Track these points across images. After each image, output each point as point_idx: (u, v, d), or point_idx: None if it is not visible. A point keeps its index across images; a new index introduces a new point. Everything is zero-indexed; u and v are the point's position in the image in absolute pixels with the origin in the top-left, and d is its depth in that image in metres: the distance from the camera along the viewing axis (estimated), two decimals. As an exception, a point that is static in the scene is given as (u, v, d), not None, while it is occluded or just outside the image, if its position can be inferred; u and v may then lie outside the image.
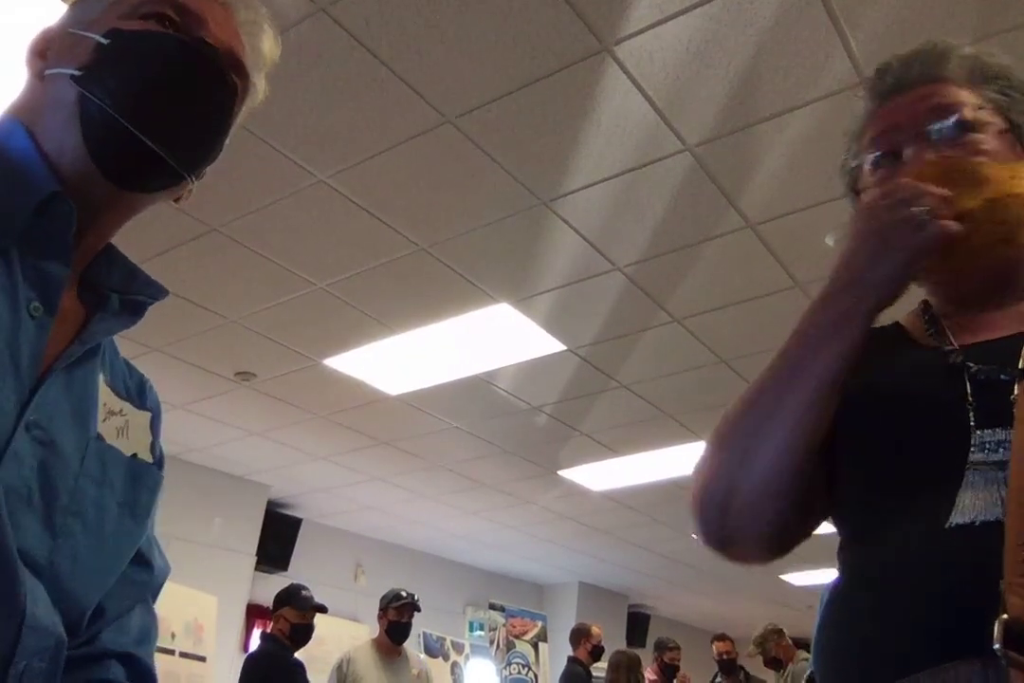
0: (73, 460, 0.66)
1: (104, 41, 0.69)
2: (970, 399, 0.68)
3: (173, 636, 4.07)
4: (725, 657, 5.79)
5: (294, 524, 6.50)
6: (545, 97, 2.47)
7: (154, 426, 0.79)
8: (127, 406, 0.76)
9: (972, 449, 0.66)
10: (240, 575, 5.84)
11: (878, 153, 0.85)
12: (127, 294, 0.75)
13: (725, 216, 2.99)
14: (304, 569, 6.24)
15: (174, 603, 4.15)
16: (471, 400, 4.55)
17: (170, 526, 5.28)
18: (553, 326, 3.79)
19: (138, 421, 0.76)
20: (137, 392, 0.80)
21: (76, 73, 0.68)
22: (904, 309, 0.94)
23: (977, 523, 0.62)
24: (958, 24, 2.17)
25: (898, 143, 0.83)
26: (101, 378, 0.73)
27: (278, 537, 6.30)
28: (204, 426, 5.06)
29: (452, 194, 2.93)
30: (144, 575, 0.77)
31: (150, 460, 0.76)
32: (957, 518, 0.63)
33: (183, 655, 4.08)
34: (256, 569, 6.01)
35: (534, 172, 2.80)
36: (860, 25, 2.20)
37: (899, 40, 2.23)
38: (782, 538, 0.77)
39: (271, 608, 3.99)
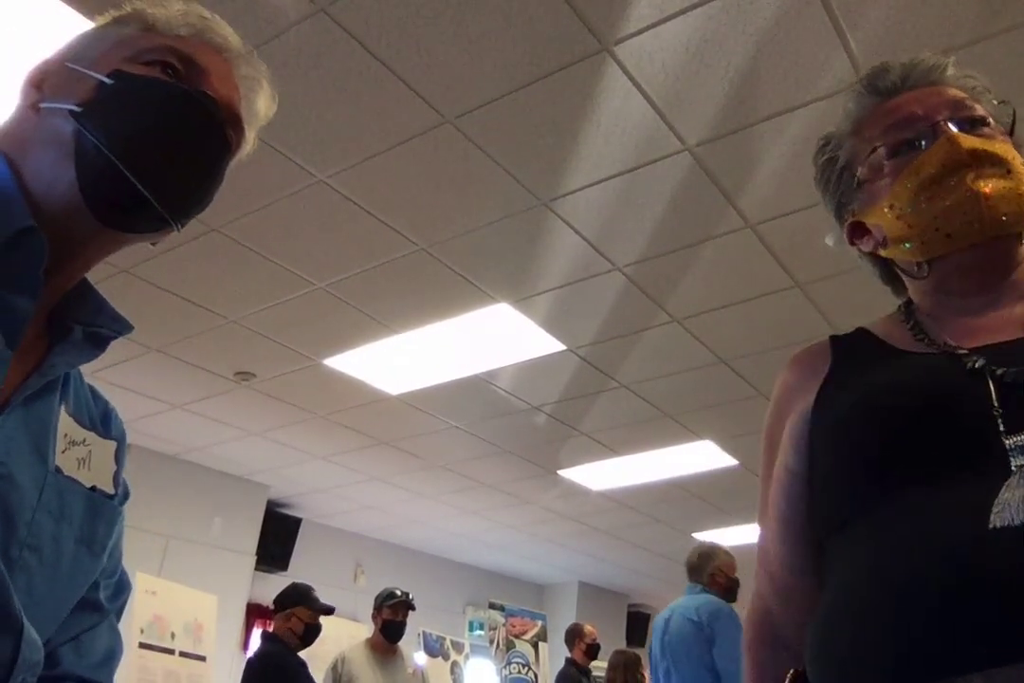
0: (31, 494, 0.64)
1: (108, 81, 0.69)
2: (996, 404, 0.67)
3: (173, 636, 4.06)
4: None
5: (294, 524, 6.51)
6: (545, 97, 2.47)
7: (119, 456, 0.78)
8: (91, 436, 0.74)
9: (1011, 454, 0.64)
10: (240, 575, 5.84)
11: (902, 140, 0.85)
12: (91, 326, 0.74)
13: (725, 216, 2.99)
14: (304, 569, 6.25)
15: (174, 603, 4.14)
16: (471, 400, 4.55)
17: (170, 526, 5.30)
18: (553, 326, 3.79)
19: (102, 451, 0.75)
20: (102, 420, 0.78)
21: (76, 109, 0.68)
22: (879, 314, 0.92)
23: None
24: (958, 24, 2.17)
25: (914, 133, 0.84)
26: (63, 408, 0.71)
27: (278, 537, 6.31)
28: (204, 426, 5.06)
29: (452, 194, 2.93)
30: (96, 593, 0.76)
31: (112, 491, 0.75)
32: (998, 521, 0.61)
33: (183, 655, 4.07)
34: (256, 569, 6.01)
35: (534, 172, 2.80)
36: (860, 25, 2.20)
37: (899, 40, 2.23)
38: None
39: (273, 607, 3.98)
